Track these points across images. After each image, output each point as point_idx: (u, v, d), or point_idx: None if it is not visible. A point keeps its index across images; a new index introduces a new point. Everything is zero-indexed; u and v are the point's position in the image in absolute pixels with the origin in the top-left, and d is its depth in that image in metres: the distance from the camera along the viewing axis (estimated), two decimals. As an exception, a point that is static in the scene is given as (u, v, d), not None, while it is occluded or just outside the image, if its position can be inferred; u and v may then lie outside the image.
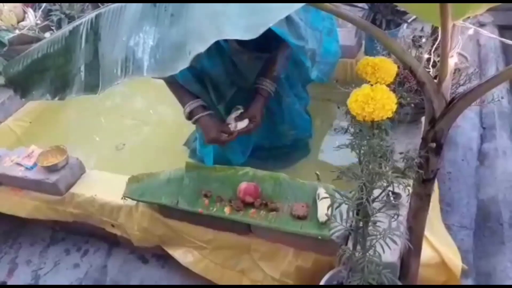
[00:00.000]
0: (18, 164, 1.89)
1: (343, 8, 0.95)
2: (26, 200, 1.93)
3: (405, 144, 1.65)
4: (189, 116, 1.63)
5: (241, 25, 0.81)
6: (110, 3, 0.99)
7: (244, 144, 1.85)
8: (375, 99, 0.80)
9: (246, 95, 1.71)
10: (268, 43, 1.50)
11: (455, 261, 1.42)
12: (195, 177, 1.68)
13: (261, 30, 0.78)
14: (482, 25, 2.78)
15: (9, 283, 1.91)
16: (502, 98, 2.20)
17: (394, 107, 0.82)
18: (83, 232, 2.02)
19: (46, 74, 1.04)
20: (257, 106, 1.65)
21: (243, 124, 1.62)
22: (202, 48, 0.79)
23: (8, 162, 1.91)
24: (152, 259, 1.91)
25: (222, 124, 1.63)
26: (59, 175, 1.80)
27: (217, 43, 1.55)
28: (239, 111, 1.66)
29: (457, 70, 1.69)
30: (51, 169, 1.80)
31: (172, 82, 1.58)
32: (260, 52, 1.62)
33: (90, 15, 1.00)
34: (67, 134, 2.49)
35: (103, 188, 1.82)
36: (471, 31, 0.94)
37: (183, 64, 0.81)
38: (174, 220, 1.69)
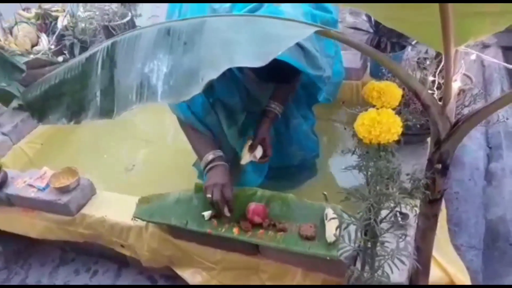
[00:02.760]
0: (30, 185, 1.92)
1: (348, 30, 0.98)
2: (37, 221, 1.95)
3: (412, 165, 1.66)
4: (209, 163, 1.63)
5: (252, 53, 0.84)
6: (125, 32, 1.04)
7: (259, 166, 1.86)
8: (381, 123, 0.83)
9: (255, 117, 1.75)
10: (286, 75, 1.53)
11: (464, 282, 1.42)
12: (204, 198, 1.69)
13: (271, 58, 0.81)
14: (486, 46, 2.82)
15: (19, 304, 1.93)
16: (507, 119, 2.21)
17: (400, 130, 0.85)
18: (93, 253, 2.04)
19: (63, 99, 1.08)
20: (264, 129, 1.69)
21: (259, 152, 1.67)
22: (214, 75, 0.82)
23: (21, 184, 1.95)
24: (161, 279, 1.91)
25: (227, 178, 1.61)
26: (70, 196, 1.83)
27: (232, 73, 1.60)
28: (249, 142, 1.70)
29: (461, 91, 1.72)
30: (63, 190, 1.83)
31: (191, 128, 1.64)
32: (277, 83, 1.66)
33: (106, 43, 1.05)
34: (78, 156, 2.53)
35: (113, 209, 1.84)
36: (473, 57, 0.97)
37: (196, 90, 0.84)
38: (183, 241, 1.70)
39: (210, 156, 1.63)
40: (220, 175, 1.60)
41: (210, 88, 1.57)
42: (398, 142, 0.94)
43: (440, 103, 0.99)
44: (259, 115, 1.72)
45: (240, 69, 1.58)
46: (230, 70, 1.58)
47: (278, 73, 1.40)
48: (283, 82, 1.63)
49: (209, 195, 1.57)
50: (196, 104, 1.63)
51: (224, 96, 1.62)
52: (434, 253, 1.28)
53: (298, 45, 1.41)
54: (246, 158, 1.69)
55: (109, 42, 1.04)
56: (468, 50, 0.93)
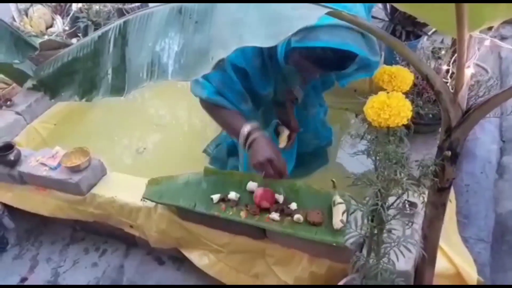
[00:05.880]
0: (43, 164, 1.95)
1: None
2: (49, 199, 1.99)
3: (423, 155, 1.64)
4: (246, 138, 1.50)
5: (261, 33, 0.84)
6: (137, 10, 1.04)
7: (288, 152, 1.82)
8: (391, 106, 0.82)
9: (276, 104, 1.76)
10: (346, 62, 1.41)
11: (471, 274, 1.41)
12: (213, 181, 1.71)
13: (281, 38, 0.81)
14: (503, 38, 2.76)
15: (30, 279, 1.97)
16: (522, 110, 2.18)
17: (410, 114, 0.84)
18: (102, 232, 2.07)
19: (75, 76, 1.09)
20: (292, 113, 1.72)
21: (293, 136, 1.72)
22: (224, 54, 0.82)
23: (34, 162, 1.98)
24: (169, 261, 1.94)
25: (275, 149, 1.53)
26: (81, 175, 1.85)
27: (275, 64, 1.50)
28: (285, 130, 1.73)
29: (477, 82, 1.69)
30: (74, 169, 1.86)
31: (222, 106, 1.53)
32: (338, 71, 1.57)
33: (118, 21, 1.05)
34: (90, 136, 2.56)
35: (123, 189, 1.87)
36: (487, 42, 0.96)
37: (206, 69, 0.84)
38: (191, 223, 1.72)
39: (246, 128, 1.49)
40: (265, 148, 1.47)
41: (244, 77, 1.50)
42: (408, 128, 0.93)
43: (452, 90, 0.97)
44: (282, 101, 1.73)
45: (287, 60, 1.45)
46: (275, 61, 1.48)
47: (342, 62, 1.37)
48: (341, 70, 1.55)
49: (261, 173, 1.50)
50: (232, 91, 1.53)
51: (258, 86, 1.56)
52: (442, 243, 1.27)
53: (357, 31, 1.29)
54: (284, 143, 1.74)
55: (121, 20, 1.04)
56: (482, 36, 0.91)
